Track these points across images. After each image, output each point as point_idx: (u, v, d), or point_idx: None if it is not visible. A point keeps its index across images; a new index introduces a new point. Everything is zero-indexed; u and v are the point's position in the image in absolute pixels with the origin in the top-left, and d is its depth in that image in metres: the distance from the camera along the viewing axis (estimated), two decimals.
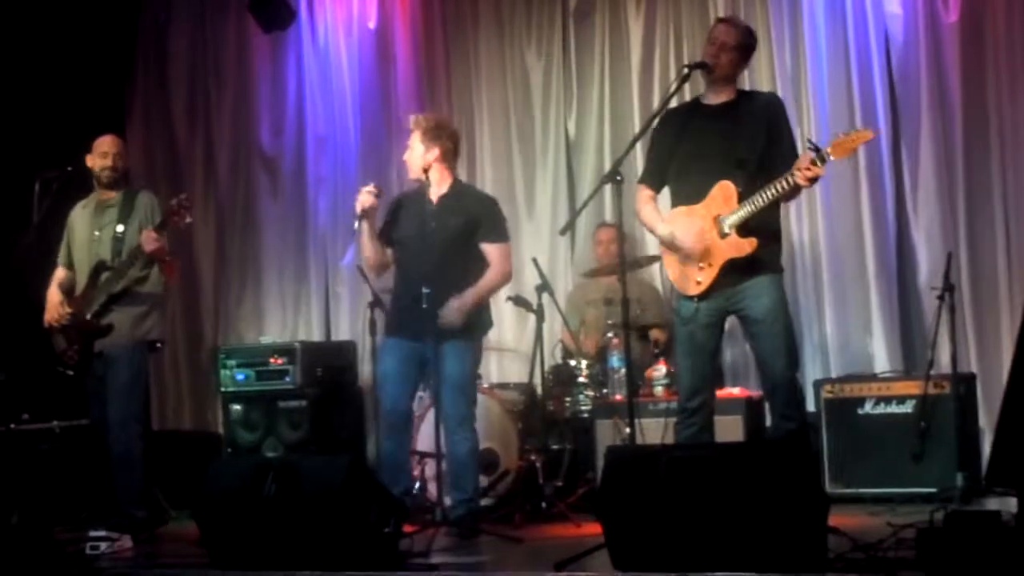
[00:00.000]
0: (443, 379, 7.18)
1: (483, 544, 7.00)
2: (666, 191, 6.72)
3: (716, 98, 6.52)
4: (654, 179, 6.66)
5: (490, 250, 7.36)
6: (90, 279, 7.61)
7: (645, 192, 6.68)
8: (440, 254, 7.15)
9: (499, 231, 7.45)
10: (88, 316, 7.55)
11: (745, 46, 6.50)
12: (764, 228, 6.29)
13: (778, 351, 6.30)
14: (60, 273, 7.86)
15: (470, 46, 10.18)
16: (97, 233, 7.71)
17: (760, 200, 6.14)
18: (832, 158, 5.99)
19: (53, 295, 7.76)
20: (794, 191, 6.18)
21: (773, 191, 6.10)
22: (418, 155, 7.33)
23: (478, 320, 7.43)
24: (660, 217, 6.59)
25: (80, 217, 7.85)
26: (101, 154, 7.77)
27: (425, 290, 7.02)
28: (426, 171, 7.25)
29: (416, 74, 10.16)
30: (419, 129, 7.37)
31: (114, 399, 7.54)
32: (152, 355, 8.02)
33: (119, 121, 10.34)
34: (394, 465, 7.35)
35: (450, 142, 7.43)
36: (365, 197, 7.24)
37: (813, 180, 6.00)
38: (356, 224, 7.28)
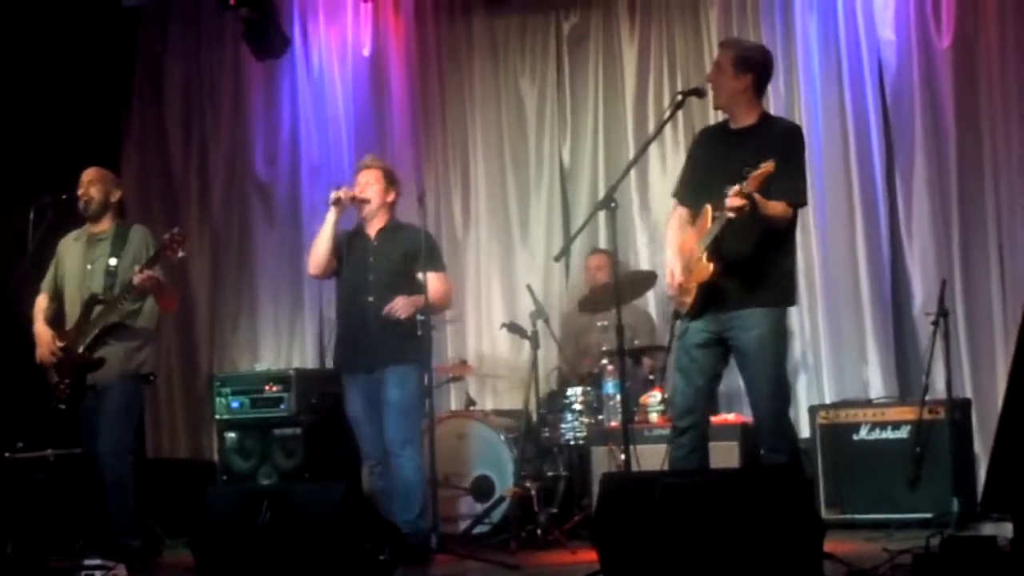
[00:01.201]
0: (386, 405, 7.33)
1: (479, 571, 6.99)
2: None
3: (738, 122, 6.39)
4: (681, 195, 6.57)
5: (429, 278, 7.40)
6: (82, 312, 7.59)
7: (677, 209, 6.57)
8: (380, 287, 7.41)
9: (435, 260, 7.60)
10: (80, 350, 7.53)
11: (742, 60, 6.30)
12: (755, 259, 6.18)
13: (764, 386, 6.20)
14: (42, 303, 7.81)
15: (464, 73, 10.20)
16: (89, 266, 7.69)
17: (716, 225, 6.05)
18: (747, 189, 5.88)
19: (43, 332, 7.71)
20: (762, 217, 6.00)
21: (722, 216, 5.99)
22: (378, 192, 7.54)
23: (417, 344, 7.43)
24: (674, 239, 6.51)
25: (71, 249, 7.82)
26: (79, 184, 7.78)
27: (373, 313, 7.33)
28: (363, 207, 7.53)
29: (410, 101, 10.17)
30: (381, 171, 7.64)
31: (106, 430, 7.51)
32: (146, 386, 8.00)
33: (114, 150, 10.35)
34: (380, 498, 7.41)
35: (399, 191, 7.73)
36: (345, 192, 7.49)
37: (736, 210, 5.88)
38: (328, 208, 7.49)
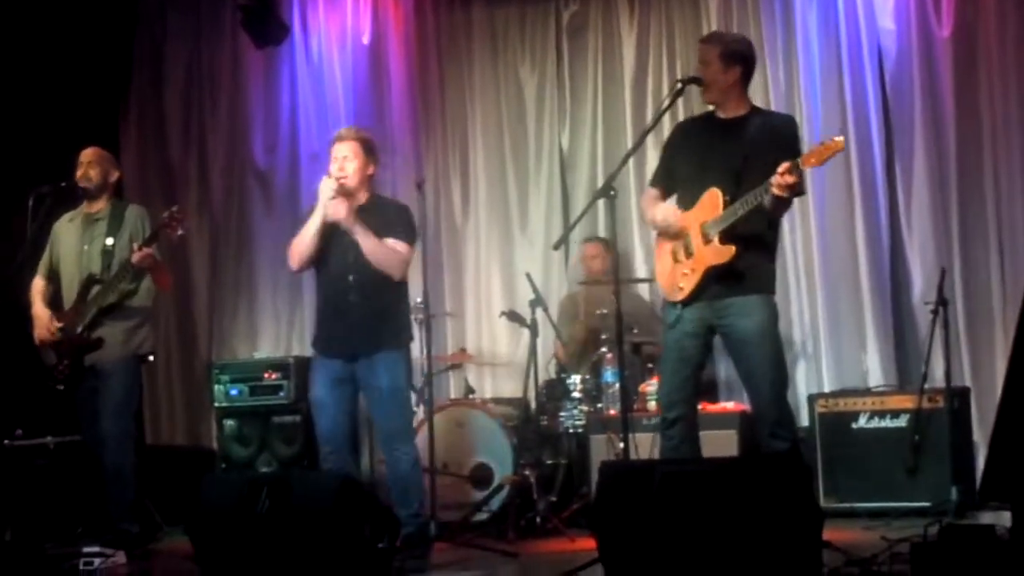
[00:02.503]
0: (375, 392, 6.96)
1: (478, 559, 7.00)
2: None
3: (727, 112, 6.40)
4: (662, 182, 6.58)
5: (390, 242, 6.96)
6: (80, 293, 7.59)
7: (651, 192, 6.61)
8: (361, 267, 6.92)
9: (402, 231, 7.03)
10: (79, 330, 7.53)
11: (729, 54, 6.32)
12: (756, 245, 6.21)
13: (765, 372, 6.19)
14: (39, 284, 7.81)
15: (464, 61, 10.19)
16: (86, 247, 7.69)
17: (741, 207, 6.04)
18: (804, 167, 5.91)
19: (41, 312, 7.71)
20: (780, 202, 6.01)
21: (753, 198, 6.00)
22: (357, 168, 7.03)
23: (404, 328, 7.12)
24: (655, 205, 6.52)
25: (66, 230, 7.82)
26: (78, 165, 7.77)
27: (354, 297, 6.92)
28: (345, 185, 7.00)
29: (410, 89, 10.17)
30: (357, 141, 7.10)
31: (107, 414, 7.51)
32: (144, 368, 8.01)
33: (113, 137, 10.34)
34: None
35: (378, 161, 7.25)
36: (334, 183, 6.94)
37: (788, 188, 5.86)
38: (324, 206, 6.92)
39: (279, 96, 10.46)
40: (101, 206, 7.78)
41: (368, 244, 6.89)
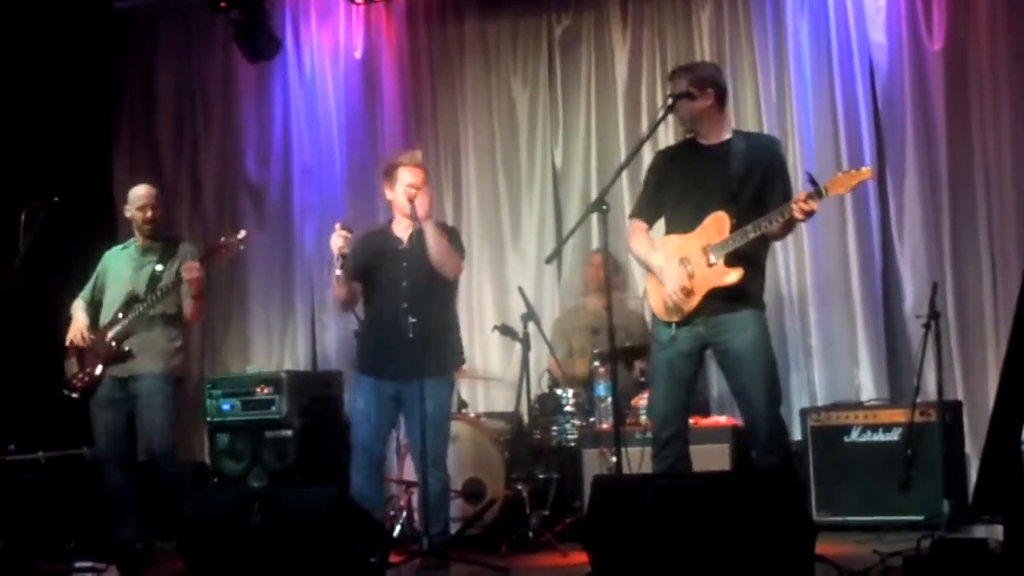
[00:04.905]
0: (418, 417, 7.04)
1: (469, 574, 6.97)
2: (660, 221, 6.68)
3: (709, 139, 6.42)
4: (647, 213, 6.59)
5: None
6: (120, 309, 7.72)
7: (637, 224, 6.59)
8: (414, 293, 7.10)
9: (456, 246, 7.37)
10: (109, 339, 7.62)
11: (699, 80, 6.35)
12: (752, 263, 6.25)
13: (759, 387, 6.21)
14: (80, 303, 7.89)
15: (456, 75, 10.20)
16: (137, 272, 7.86)
17: (752, 231, 6.09)
18: (829, 194, 5.98)
19: (80, 318, 7.83)
20: (787, 226, 6.11)
21: (767, 223, 6.06)
22: (430, 197, 7.28)
23: (454, 354, 7.38)
24: (653, 246, 6.51)
25: (117, 258, 8.01)
26: (139, 208, 7.91)
27: (412, 320, 7.01)
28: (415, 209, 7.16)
29: (402, 103, 10.17)
30: (425, 172, 7.34)
31: (156, 432, 7.68)
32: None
33: (105, 151, 10.34)
34: (364, 501, 7.24)
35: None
36: (340, 239, 7.11)
37: (809, 214, 5.96)
38: (337, 267, 7.13)
39: (271, 110, 10.47)
40: (156, 241, 7.94)
41: (438, 238, 7.14)
